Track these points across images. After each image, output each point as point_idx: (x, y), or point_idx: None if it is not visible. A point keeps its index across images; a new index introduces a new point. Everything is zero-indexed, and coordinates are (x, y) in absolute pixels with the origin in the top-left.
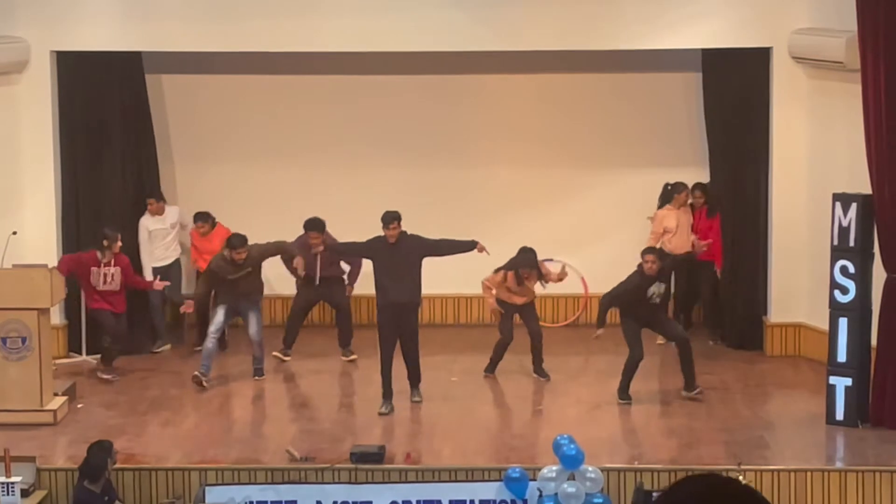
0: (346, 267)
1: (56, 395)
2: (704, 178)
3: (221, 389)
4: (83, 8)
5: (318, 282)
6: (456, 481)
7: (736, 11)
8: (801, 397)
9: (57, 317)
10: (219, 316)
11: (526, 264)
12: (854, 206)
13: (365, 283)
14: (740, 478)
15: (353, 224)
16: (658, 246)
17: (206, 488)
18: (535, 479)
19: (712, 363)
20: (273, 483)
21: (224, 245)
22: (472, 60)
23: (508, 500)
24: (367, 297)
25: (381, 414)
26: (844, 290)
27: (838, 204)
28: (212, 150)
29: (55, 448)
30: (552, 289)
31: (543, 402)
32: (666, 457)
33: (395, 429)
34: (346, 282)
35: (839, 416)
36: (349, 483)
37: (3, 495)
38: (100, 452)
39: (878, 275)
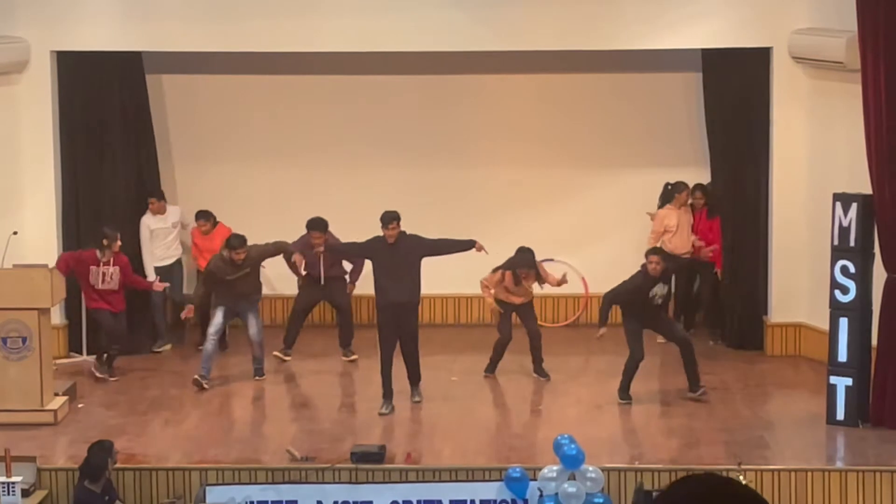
0: (347, 266)
1: (56, 395)
2: (704, 178)
3: (222, 389)
4: (83, 8)
5: (322, 281)
6: (456, 481)
7: (736, 11)
8: (802, 397)
9: (57, 317)
10: (217, 317)
11: (524, 264)
12: (854, 206)
13: (365, 283)
14: (740, 478)
15: (353, 224)
16: (658, 245)
17: (207, 488)
18: (535, 479)
19: (712, 363)
20: (273, 483)
21: (223, 245)
22: (472, 60)
23: (509, 500)
24: (368, 297)
25: (381, 414)
26: (845, 290)
27: (838, 204)
28: (212, 150)
29: (56, 448)
30: (552, 289)
31: (544, 402)
32: (666, 457)
33: (396, 429)
34: (348, 280)
35: (839, 415)
36: (349, 483)
37: (4, 495)
38: (100, 452)
39: (879, 275)
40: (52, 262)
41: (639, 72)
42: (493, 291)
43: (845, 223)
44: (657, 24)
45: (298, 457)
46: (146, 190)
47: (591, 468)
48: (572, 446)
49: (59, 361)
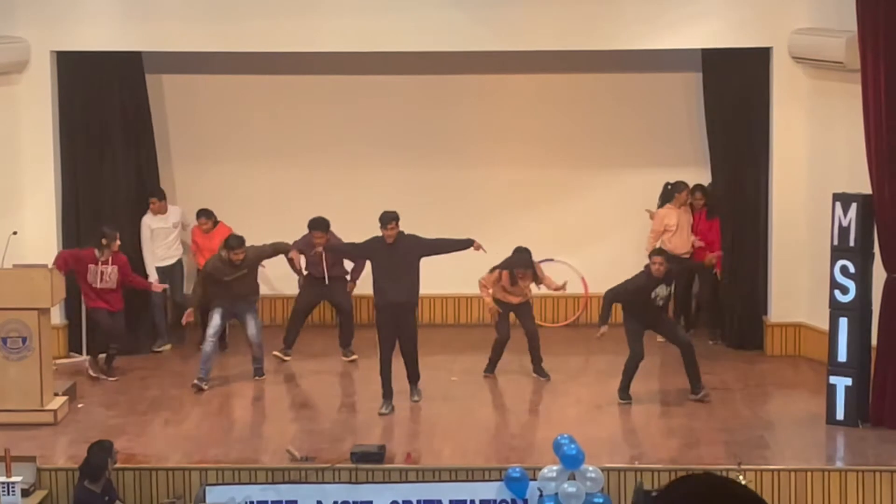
0: (349, 265)
1: (56, 394)
2: (704, 178)
3: (221, 389)
4: (83, 8)
5: (327, 281)
6: (456, 481)
7: (736, 11)
8: (801, 397)
9: (57, 317)
10: (215, 319)
11: (520, 264)
12: (854, 206)
13: (365, 283)
14: (740, 478)
15: (353, 224)
16: (658, 244)
17: (207, 488)
18: (535, 479)
19: (712, 363)
20: (273, 483)
21: (221, 246)
22: (471, 60)
23: (509, 500)
24: (368, 298)
25: (381, 414)
26: (844, 290)
27: (838, 204)
28: (211, 150)
29: (55, 448)
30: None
31: (544, 402)
32: (666, 457)
33: (396, 429)
34: (349, 278)
35: (839, 415)
36: (349, 483)
37: (4, 495)
38: (100, 452)
39: (879, 275)
40: (51, 263)
41: (639, 72)
42: (490, 291)
43: (845, 223)
44: (657, 24)
45: (298, 457)
46: (146, 190)
47: (590, 468)
48: (572, 446)
49: (58, 361)
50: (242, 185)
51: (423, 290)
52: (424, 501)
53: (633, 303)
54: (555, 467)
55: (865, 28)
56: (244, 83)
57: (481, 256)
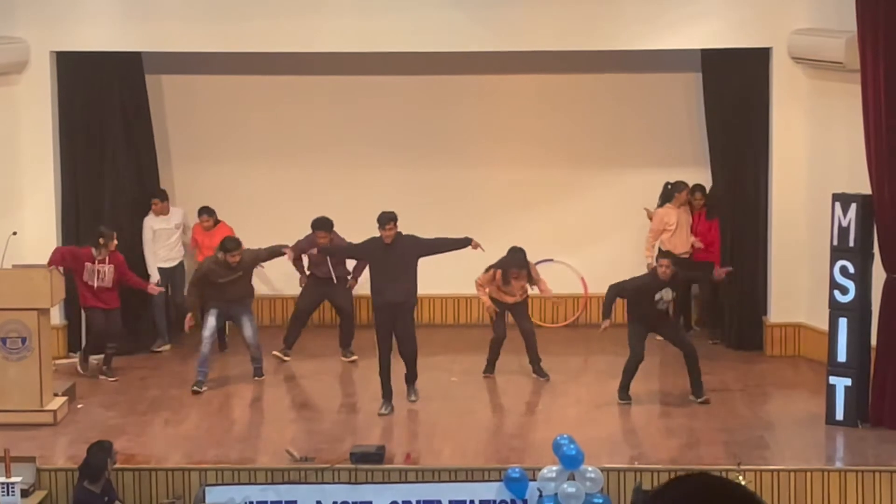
0: (350, 265)
1: (56, 395)
2: (704, 178)
3: (221, 390)
4: (83, 8)
5: (335, 280)
6: (456, 481)
7: (736, 11)
8: (801, 397)
9: (57, 317)
10: (211, 321)
11: (514, 264)
12: (854, 206)
13: (365, 284)
14: (740, 478)
15: (353, 224)
16: (657, 244)
17: (206, 488)
18: (535, 480)
19: (712, 363)
20: (273, 483)
21: (217, 248)
22: (471, 61)
23: (508, 501)
24: (368, 298)
25: (380, 414)
26: (844, 291)
27: (838, 204)
28: (211, 150)
29: (55, 448)
30: (552, 289)
31: (543, 402)
32: (666, 457)
33: (395, 429)
34: (350, 275)
35: (839, 416)
36: (349, 483)
37: (3, 495)
38: (100, 453)
39: (878, 275)
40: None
41: (639, 72)
42: (487, 290)
43: (845, 223)
44: (657, 24)
45: (298, 457)
46: (146, 190)
47: (590, 468)
48: (572, 446)
49: (58, 362)
50: (242, 185)
51: (423, 290)
52: (424, 502)
53: (637, 303)
54: (554, 468)
55: (865, 28)
56: (244, 83)
57: (481, 256)
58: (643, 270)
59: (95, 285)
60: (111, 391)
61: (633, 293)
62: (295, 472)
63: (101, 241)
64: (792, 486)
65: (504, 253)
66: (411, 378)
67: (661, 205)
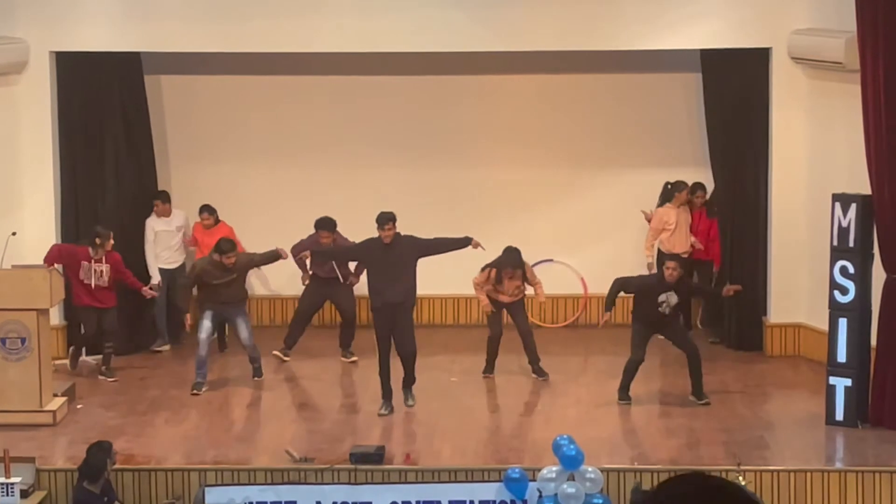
0: (352, 264)
1: (55, 395)
2: (704, 178)
3: (221, 390)
4: (83, 8)
5: (342, 280)
6: (455, 482)
7: (736, 12)
8: (801, 397)
9: (56, 317)
10: (206, 323)
11: (508, 263)
12: (854, 206)
13: (366, 284)
14: (740, 478)
15: (353, 224)
16: (656, 243)
17: (206, 489)
18: (534, 480)
19: (712, 363)
20: (273, 484)
21: (213, 249)
22: (471, 61)
23: (508, 501)
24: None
25: (380, 415)
26: (844, 291)
27: (838, 204)
28: (210, 150)
29: (54, 449)
30: (552, 289)
31: (543, 402)
32: (666, 457)
33: (395, 429)
34: (353, 272)
35: (839, 416)
36: (349, 484)
37: (3, 496)
38: (99, 453)
39: (878, 275)
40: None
41: (638, 72)
42: (484, 289)
43: (844, 224)
44: (657, 24)
45: (297, 457)
46: (145, 190)
47: (590, 469)
48: (571, 447)
49: (57, 362)
50: (241, 185)
51: (423, 290)
52: (424, 502)
53: (639, 303)
54: (554, 468)
55: (865, 28)
56: (243, 84)
57: (480, 256)
58: (643, 271)
59: (93, 284)
60: (111, 391)
61: (637, 290)
62: (294, 472)
63: (98, 240)
64: (792, 486)
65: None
66: (409, 382)
67: (660, 204)
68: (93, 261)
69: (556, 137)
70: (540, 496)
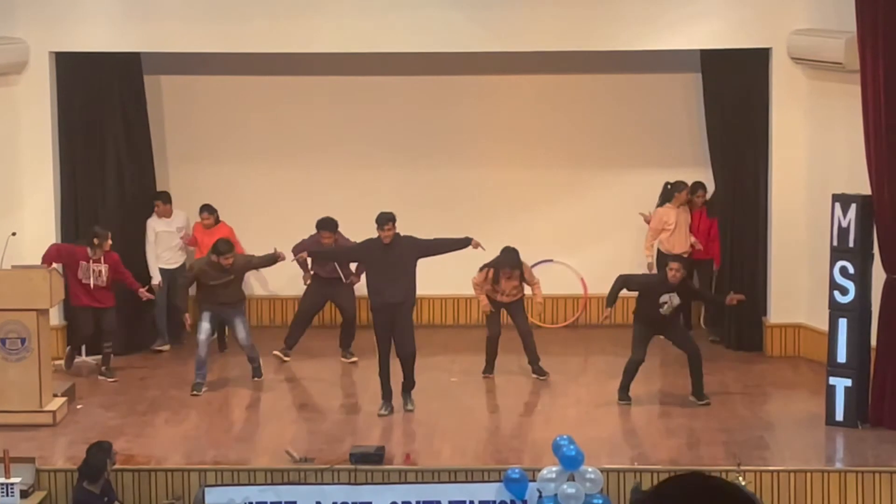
0: (352, 265)
1: (55, 395)
2: (704, 178)
3: (221, 390)
4: (83, 8)
5: (344, 280)
6: (455, 482)
7: (735, 12)
8: (801, 398)
9: (56, 318)
10: (204, 325)
11: (506, 264)
12: (853, 206)
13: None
14: (740, 479)
15: (353, 224)
16: (656, 243)
17: (206, 489)
18: (534, 480)
19: (712, 364)
20: (272, 484)
21: (210, 250)
22: (471, 61)
23: (508, 501)
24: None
25: (380, 415)
26: (844, 291)
27: (838, 204)
28: (210, 150)
29: (54, 449)
30: (552, 289)
31: (543, 402)
32: (666, 457)
33: (395, 430)
34: (354, 272)
35: (839, 416)
36: (349, 484)
37: (3, 496)
38: (99, 453)
39: (878, 275)
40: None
41: (638, 73)
42: (484, 289)
43: (844, 224)
44: (657, 24)
45: (297, 458)
46: (145, 191)
47: (590, 469)
48: (571, 447)
49: (57, 362)
50: (241, 185)
51: (423, 290)
52: (424, 502)
53: (642, 303)
54: (554, 468)
55: (864, 29)
56: (243, 84)
57: (480, 256)
58: (643, 271)
59: (91, 284)
60: (111, 391)
61: (639, 288)
62: (294, 472)
63: (96, 240)
64: (792, 486)
65: None
66: (408, 386)
67: (660, 204)
68: (91, 261)
69: (555, 137)
70: (540, 496)
